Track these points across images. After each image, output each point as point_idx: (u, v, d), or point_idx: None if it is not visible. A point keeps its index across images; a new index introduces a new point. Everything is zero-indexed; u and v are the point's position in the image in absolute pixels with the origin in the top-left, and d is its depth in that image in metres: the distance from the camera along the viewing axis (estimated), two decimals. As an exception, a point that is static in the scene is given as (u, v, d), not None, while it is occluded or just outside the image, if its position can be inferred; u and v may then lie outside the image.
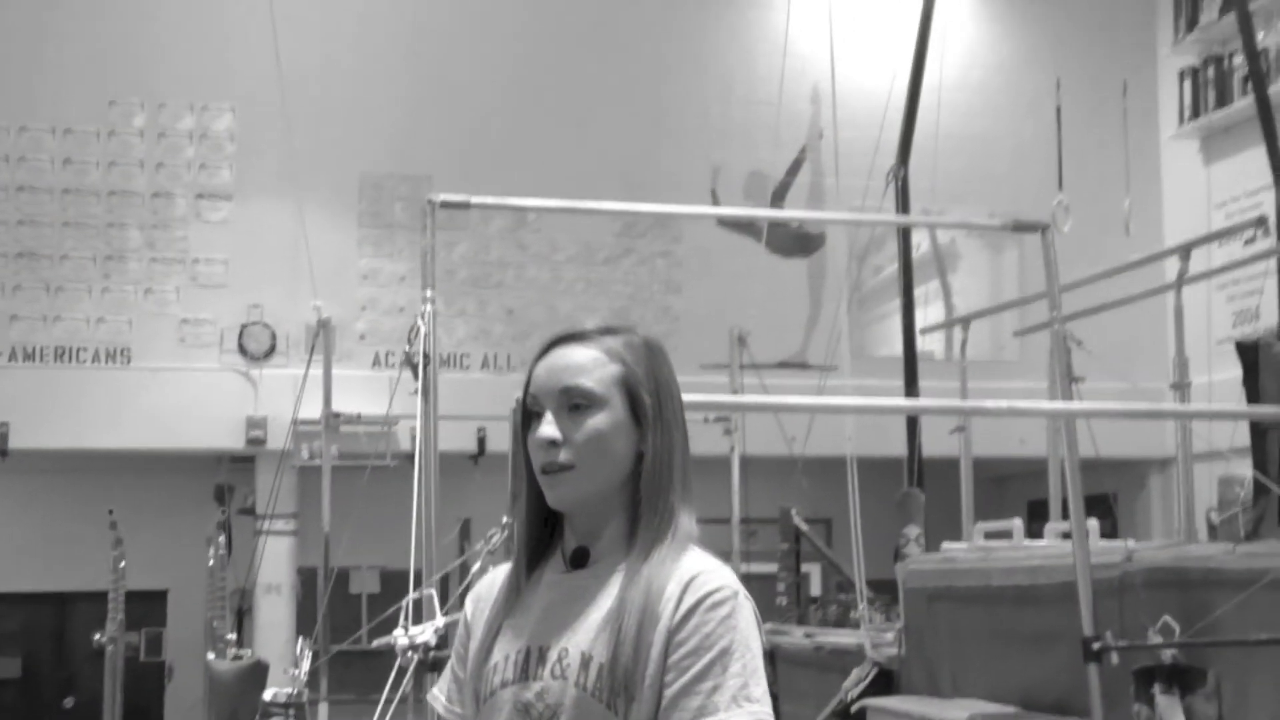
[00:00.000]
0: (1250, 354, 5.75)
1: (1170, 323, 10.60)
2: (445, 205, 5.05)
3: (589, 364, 2.08)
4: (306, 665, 4.93)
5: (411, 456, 10.25)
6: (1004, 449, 9.70)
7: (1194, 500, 6.39)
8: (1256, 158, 9.90)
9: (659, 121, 11.03)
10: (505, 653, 2.08)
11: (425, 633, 3.54)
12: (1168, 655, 5.30)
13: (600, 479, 2.06)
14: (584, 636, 2.02)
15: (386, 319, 10.78)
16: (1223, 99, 10.78)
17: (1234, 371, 8.71)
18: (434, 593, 3.68)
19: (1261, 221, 6.64)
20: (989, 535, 7.79)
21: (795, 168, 11.25)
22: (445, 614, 3.59)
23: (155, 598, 11.99)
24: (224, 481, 11.03)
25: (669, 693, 1.97)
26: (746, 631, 2.01)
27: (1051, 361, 5.20)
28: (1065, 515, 7.96)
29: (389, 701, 3.64)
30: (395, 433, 10.40)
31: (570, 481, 2.05)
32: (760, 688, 1.99)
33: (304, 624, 11.53)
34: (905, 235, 8.71)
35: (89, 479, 11.28)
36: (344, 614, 10.59)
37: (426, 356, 4.83)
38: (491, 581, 2.21)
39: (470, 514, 9.91)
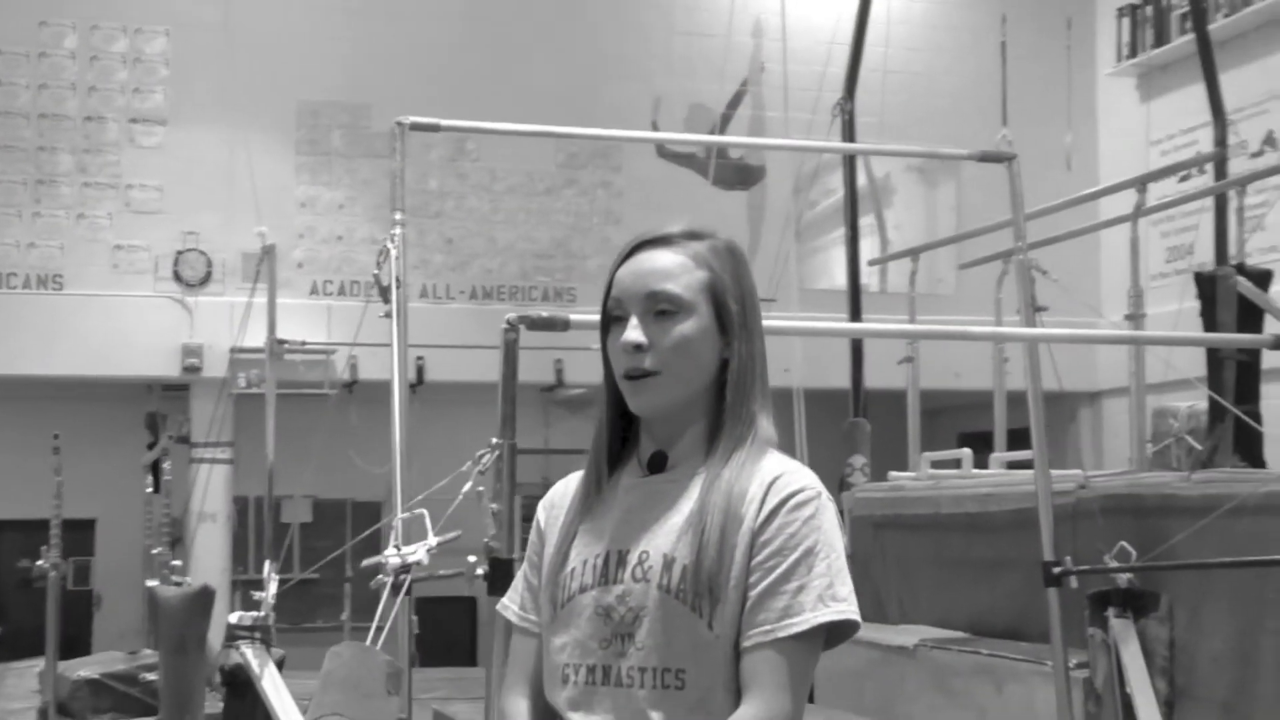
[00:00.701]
0: (1208, 286, 5.83)
1: (1103, 257, 10.80)
2: (415, 128, 4.98)
3: (676, 269, 2.05)
4: (274, 589, 4.89)
5: (349, 385, 10.29)
6: (940, 382, 9.78)
7: (1145, 430, 6.49)
8: (1194, 95, 10.01)
9: (601, 53, 10.96)
10: (583, 557, 2.06)
11: (418, 552, 3.52)
12: (1123, 579, 5.39)
13: (685, 386, 2.03)
14: (665, 539, 2.00)
15: (324, 247, 10.68)
16: (1161, 37, 10.86)
17: (1170, 305, 8.86)
18: (426, 512, 3.66)
19: (1223, 153, 6.70)
20: (936, 465, 7.89)
21: (736, 101, 11.22)
22: (438, 534, 3.58)
23: (83, 526, 11.85)
24: (156, 410, 10.90)
25: (754, 593, 1.96)
26: (830, 532, 2.00)
27: (1019, 290, 5.24)
28: (1010, 446, 8.09)
29: (379, 629, 3.61)
30: (333, 361, 10.34)
31: (655, 388, 2.02)
32: (846, 587, 1.99)
33: (238, 552, 11.46)
34: (851, 167, 8.73)
35: (19, 406, 11.12)
36: (275, 543, 10.53)
37: (398, 280, 4.78)
38: (565, 488, 2.19)
39: (408, 444, 9.87)
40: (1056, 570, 5.21)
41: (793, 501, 1.98)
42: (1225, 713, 5.32)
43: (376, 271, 4.89)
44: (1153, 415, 8.15)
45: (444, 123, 5.06)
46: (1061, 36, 10.54)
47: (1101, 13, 11.54)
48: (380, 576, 4.41)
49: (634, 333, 2.01)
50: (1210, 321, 5.82)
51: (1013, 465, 7.46)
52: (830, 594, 1.96)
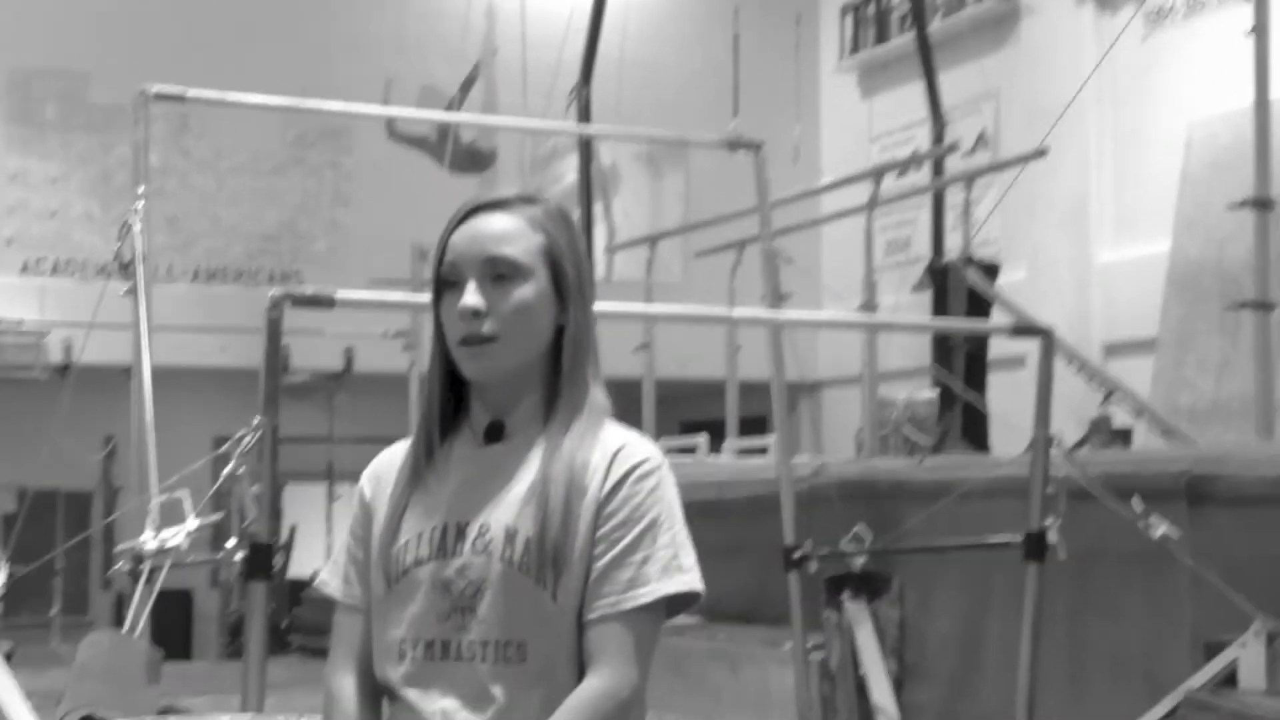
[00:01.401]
0: (940, 277, 6.05)
1: (824, 249, 11.09)
2: (160, 97, 4.82)
3: (514, 233, 2.01)
4: (2, 579, 4.65)
5: (62, 370, 9.87)
6: (667, 371, 9.92)
7: (879, 417, 6.69)
8: (913, 93, 10.37)
9: (332, 30, 10.76)
10: (417, 530, 2.01)
11: (177, 536, 3.40)
12: (858, 563, 5.55)
13: (522, 351, 2.00)
14: (506, 511, 1.97)
15: (37, 223, 10.22)
16: (882, 36, 11.21)
17: (889, 298, 9.16)
18: (187, 493, 3.54)
19: (955, 148, 6.96)
20: (670, 450, 7.99)
21: (469, 84, 11.15)
22: (198, 517, 3.46)
23: None
24: None
25: (599, 565, 1.95)
26: (673, 503, 2.01)
27: (764, 277, 5.34)
28: (742, 432, 8.26)
29: (138, 614, 3.47)
30: (46, 344, 9.92)
31: (493, 353, 1.98)
32: (690, 558, 1.99)
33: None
34: (587, 152, 8.76)
35: None
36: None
37: (136, 254, 4.61)
38: (390, 459, 2.13)
39: (120, 431, 9.56)
40: (796, 555, 5.33)
41: (637, 473, 1.98)
42: (952, 689, 5.54)
43: (118, 245, 4.70)
44: (876, 405, 8.42)
45: (190, 92, 4.91)
46: (791, 32, 10.79)
47: (825, 11, 11.85)
48: (120, 565, 4.25)
49: (472, 297, 1.98)
50: (941, 311, 6.04)
51: (744, 452, 7.61)
52: (675, 564, 1.97)
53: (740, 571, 6.76)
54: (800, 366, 11.29)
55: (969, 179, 6.73)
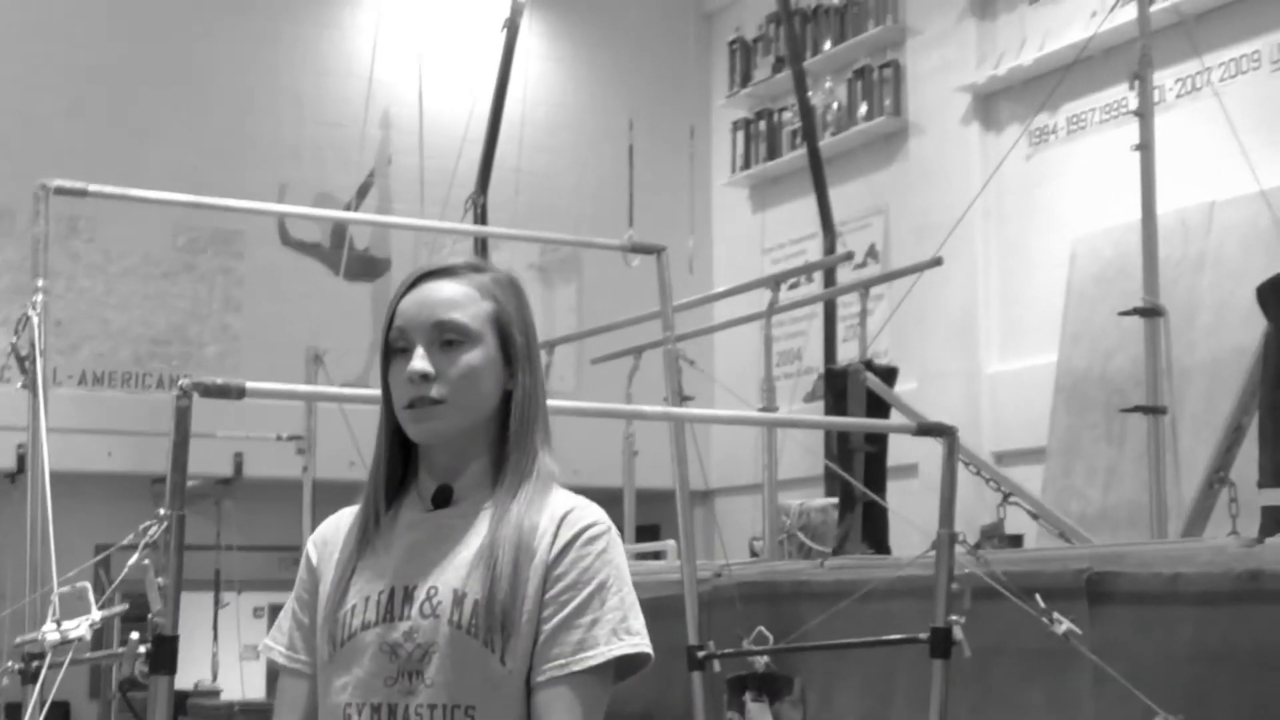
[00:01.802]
0: (839, 380, 6.12)
1: (717, 358, 11.18)
2: (60, 192, 4.77)
3: (462, 299, 2.04)
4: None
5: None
6: (562, 479, 9.90)
7: (777, 522, 6.72)
8: (803, 207, 10.56)
9: (227, 135, 10.73)
10: (365, 594, 1.99)
11: (80, 627, 3.32)
12: (760, 664, 5.55)
13: (469, 415, 2.02)
14: (454, 574, 1.97)
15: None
16: (773, 151, 11.40)
17: (783, 408, 9.24)
18: (89, 585, 3.46)
19: (850, 256, 7.07)
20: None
21: (364, 191, 11.17)
22: (101, 608, 3.38)
23: None
24: None
25: (547, 627, 1.95)
26: (621, 566, 2.01)
27: (667, 379, 5.37)
28: (636, 539, 8.25)
29: (41, 703, 3.38)
30: (-78, 447, 9.68)
31: (439, 416, 1.99)
32: (639, 621, 2.00)
33: None
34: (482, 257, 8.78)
35: None
36: None
37: (34, 347, 4.53)
38: (336, 523, 2.13)
39: (5, 539, 9.34)
40: (701, 654, 5.31)
41: (585, 536, 1.99)
42: (856, 791, 5.53)
43: (14, 340, 4.63)
44: (762, 514, 8.46)
45: (92, 187, 4.87)
46: (685, 144, 10.95)
47: (717, 126, 12.05)
48: (9, 664, 4.14)
49: (420, 362, 1.99)
50: (841, 414, 6.11)
51: (642, 556, 7.60)
52: (624, 627, 1.98)
53: (638, 677, 6.73)
54: (693, 475, 11.34)
55: (865, 286, 6.84)
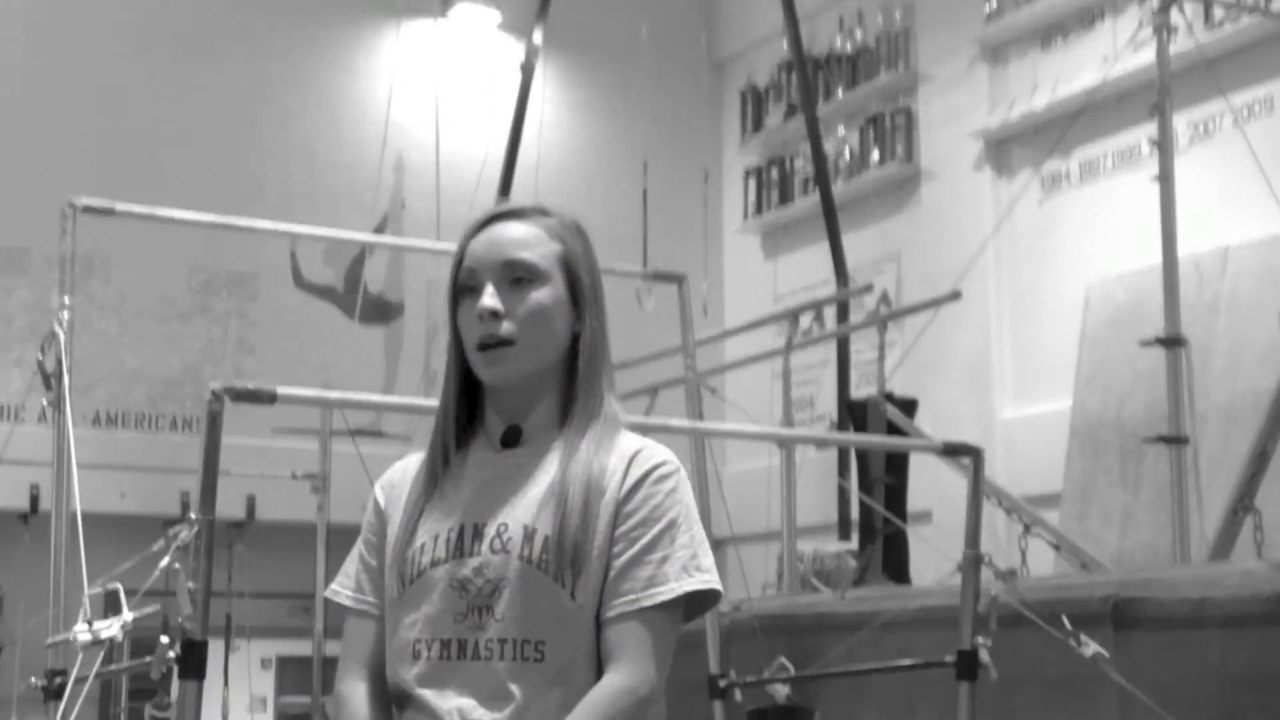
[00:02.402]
0: (859, 411, 6.12)
1: (731, 396, 11.17)
2: (88, 210, 4.80)
3: (531, 239, 2.06)
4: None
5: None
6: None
7: (795, 555, 6.70)
8: (815, 254, 10.59)
9: (240, 179, 10.77)
10: (433, 532, 2.00)
11: (111, 628, 3.32)
12: (781, 695, 5.52)
13: (539, 356, 2.03)
14: (524, 511, 1.97)
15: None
16: (785, 198, 11.43)
17: (797, 455, 9.24)
18: (120, 586, 3.46)
19: (869, 288, 7.09)
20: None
21: (378, 234, 11.20)
22: (133, 610, 3.38)
23: None
24: None
25: (618, 563, 1.96)
26: (690, 505, 2.02)
27: (687, 409, 5.38)
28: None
29: (74, 698, 3.37)
30: (-61, 493, 9.67)
31: (510, 358, 2.01)
32: (709, 558, 2.00)
33: None
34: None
35: None
36: None
37: (60, 363, 4.55)
38: (404, 468, 2.14)
39: (18, 581, 9.32)
40: (722, 683, 5.29)
41: (655, 474, 2.00)
42: (876, 823, 5.49)
43: (40, 358, 4.65)
44: (777, 560, 8.44)
45: (119, 206, 4.90)
46: (698, 189, 10.99)
47: (729, 173, 12.10)
48: (33, 681, 4.14)
49: (490, 299, 2.01)
50: (859, 448, 6.11)
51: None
52: (695, 564, 1.98)
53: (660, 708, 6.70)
54: (706, 521, 11.31)
55: (883, 320, 6.85)
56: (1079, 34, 9.49)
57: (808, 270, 10.99)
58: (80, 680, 3.60)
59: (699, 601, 2.02)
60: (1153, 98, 6.87)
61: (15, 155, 10.12)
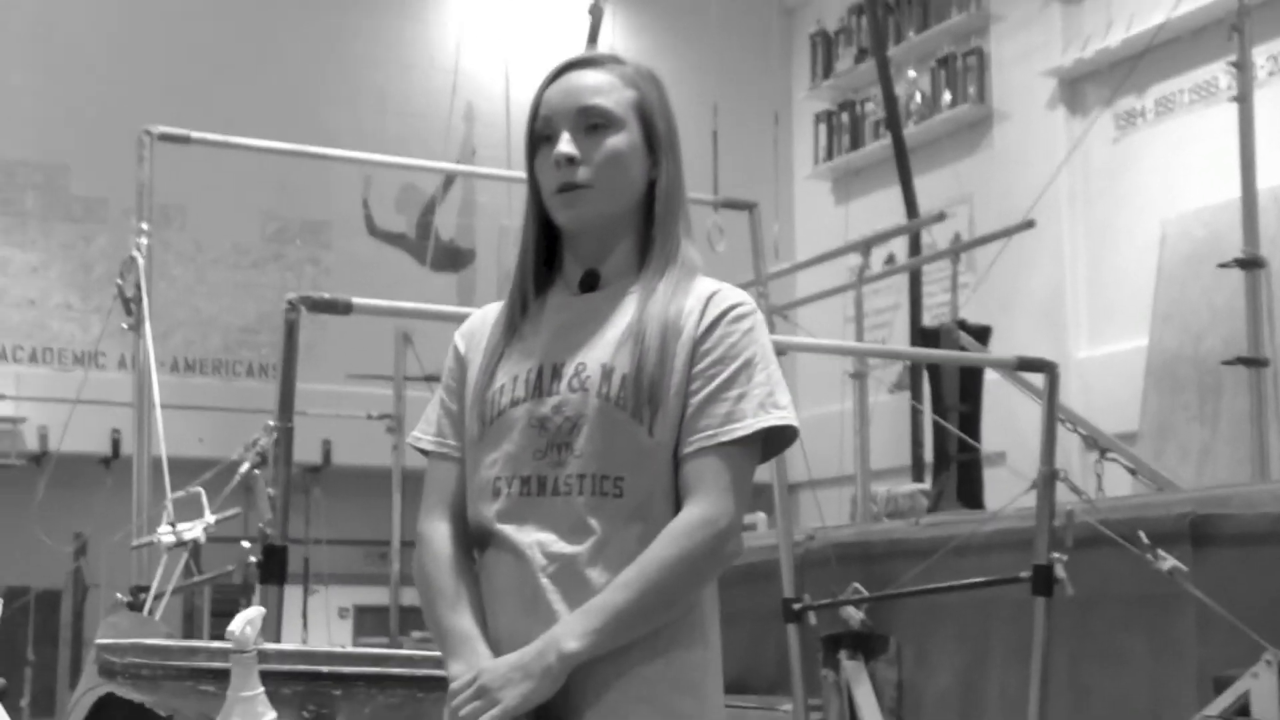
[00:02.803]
0: (932, 340, 6.10)
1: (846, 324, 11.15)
2: (164, 138, 4.86)
3: (606, 86, 2.07)
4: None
5: (38, 459, 9.77)
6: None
7: (868, 493, 6.68)
8: (886, 198, 10.51)
9: (312, 130, 10.79)
10: (512, 373, 2.03)
11: (194, 530, 3.37)
12: (855, 621, 5.52)
13: (616, 200, 2.04)
14: (602, 351, 1.99)
15: (14, 311, 10.17)
16: (856, 142, 11.37)
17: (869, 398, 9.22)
18: (202, 490, 3.52)
19: (942, 216, 7.05)
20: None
21: (448, 183, 11.25)
22: (215, 512, 3.44)
23: None
24: None
25: (695, 400, 1.97)
26: (767, 345, 2.03)
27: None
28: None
29: (159, 597, 3.43)
30: (21, 431, 9.83)
31: (588, 200, 2.02)
32: (786, 396, 2.01)
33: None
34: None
35: None
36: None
37: (139, 288, 4.61)
38: (483, 316, 2.17)
39: (96, 525, 9.45)
40: (797, 606, 5.30)
41: (732, 314, 2.01)
42: (951, 747, 5.49)
43: (120, 282, 4.71)
44: (850, 502, 8.43)
45: (195, 134, 4.95)
46: (769, 133, 10.95)
47: (799, 118, 12.05)
48: (118, 595, 4.20)
49: (566, 145, 2.02)
50: (935, 375, 6.09)
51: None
52: (771, 401, 1.99)
53: (731, 640, 6.71)
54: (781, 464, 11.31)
55: (956, 251, 6.81)
56: (1154, -32, 9.37)
57: (879, 214, 10.91)
58: (161, 596, 3.65)
59: (776, 440, 2.03)
60: (1229, 32, 6.76)
61: (93, 109, 10.22)
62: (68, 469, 8.66)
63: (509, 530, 1.96)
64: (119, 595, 4.20)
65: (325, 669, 2.50)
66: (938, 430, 6.26)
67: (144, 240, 4.75)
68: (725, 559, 1.96)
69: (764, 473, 5.90)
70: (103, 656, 2.47)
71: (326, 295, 3.66)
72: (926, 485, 7.91)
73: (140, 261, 4.67)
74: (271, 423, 3.54)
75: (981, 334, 6.20)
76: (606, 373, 1.97)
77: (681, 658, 1.97)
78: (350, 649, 2.69)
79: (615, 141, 2.05)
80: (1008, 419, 7.89)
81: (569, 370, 1.99)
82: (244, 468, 3.47)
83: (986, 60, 10.39)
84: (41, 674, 10.31)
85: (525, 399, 2.00)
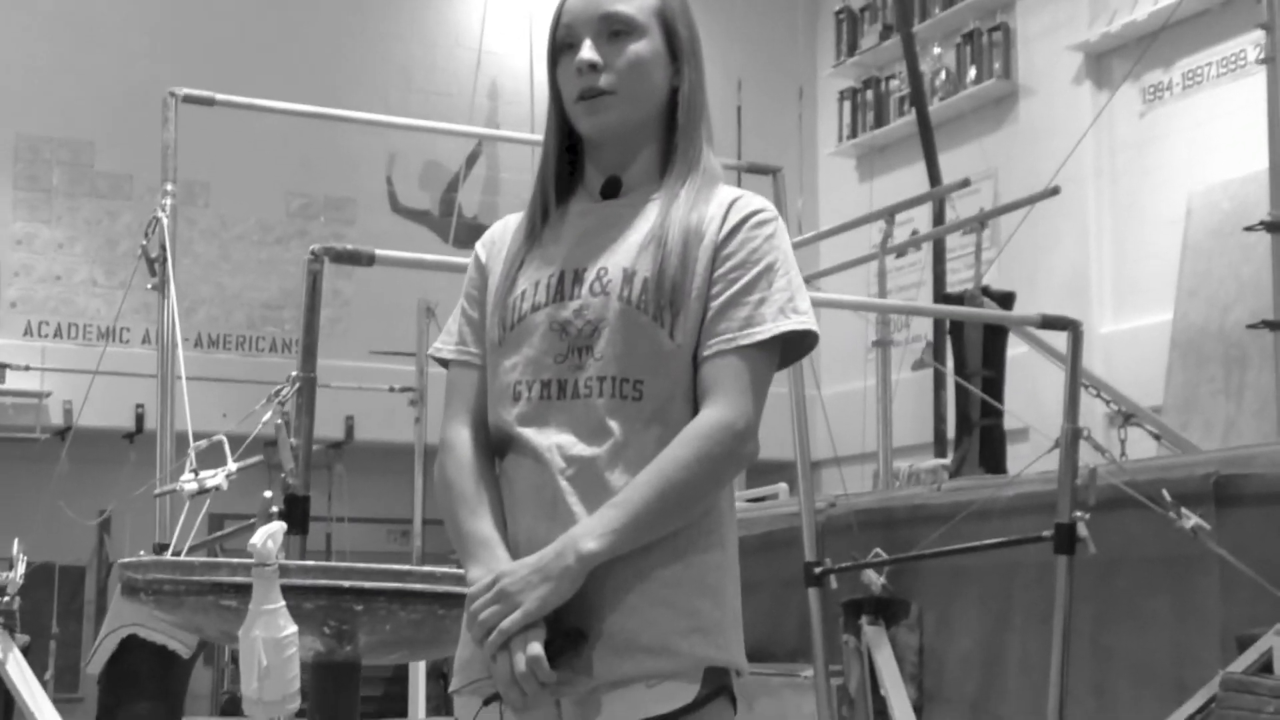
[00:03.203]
0: (957, 304, 6.07)
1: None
2: (188, 100, 4.87)
3: None
4: (21, 570, 4.64)
5: (62, 433, 9.81)
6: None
7: (890, 466, 6.66)
8: (910, 174, 10.49)
9: (336, 104, 10.81)
10: (534, 279, 2.03)
11: (216, 477, 3.38)
12: (876, 587, 5.51)
13: (638, 107, 2.04)
14: (624, 255, 2.00)
15: (41, 287, 10.22)
16: (880, 119, 11.34)
17: (892, 375, 9.20)
18: (224, 438, 3.52)
19: (967, 183, 7.02)
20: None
21: (472, 160, 11.26)
22: (237, 459, 3.45)
23: None
24: None
25: (715, 304, 1.97)
26: (788, 252, 2.03)
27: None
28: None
29: (179, 550, 3.44)
30: (46, 405, 9.88)
31: (611, 106, 2.03)
32: (805, 302, 2.01)
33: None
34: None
35: None
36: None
37: (164, 249, 4.62)
38: (504, 225, 2.17)
39: (120, 500, 9.49)
40: (818, 570, 5.29)
41: (754, 220, 2.01)
42: (973, 711, 5.47)
43: (144, 243, 4.73)
44: (873, 477, 8.41)
45: (219, 96, 4.96)
46: (793, 107, 10.93)
47: (823, 96, 12.02)
48: (141, 553, 4.21)
49: (588, 52, 2.02)
50: (958, 341, 6.07)
51: (754, 500, 7.59)
52: (791, 306, 1.99)
53: (753, 609, 6.70)
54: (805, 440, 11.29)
55: (980, 221, 6.79)
56: (1181, -58, 9.30)
57: (904, 191, 10.86)
58: (184, 545, 3.66)
59: (796, 346, 2.03)
60: (1258, 9, 6.71)
61: (119, 85, 10.25)
62: (92, 444, 8.71)
63: (529, 433, 1.96)
64: (140, 553, 4.21)
65: (346, 584, 2.51)
66: (960, 396, 6.24)
67: (168, 201, 4.76)
68: (743, 460, 1.96)
69: (785, 448, 5.95)
70: (126, 574, 2.47)
71: (349, 246, 3.66)
72: (948, 461, 7.90)
73: (165, 221, 4.67)
74: (294, 373, 3.54)
75: (1005, 300, 6.18)
76: (628, 276, 1.97)
77: (700, 560, 1.96)
78: (372, 565, 2.68)
79: (638, 48, 2.05)
80: (1031, 393, 7.87)
81: (590, 275, 2.00)
82: (266, 417, 3.48)
83: (1012, 36, 10.35)
84: (65, 649, 10.35)
85: (546, 304, 2.00)
